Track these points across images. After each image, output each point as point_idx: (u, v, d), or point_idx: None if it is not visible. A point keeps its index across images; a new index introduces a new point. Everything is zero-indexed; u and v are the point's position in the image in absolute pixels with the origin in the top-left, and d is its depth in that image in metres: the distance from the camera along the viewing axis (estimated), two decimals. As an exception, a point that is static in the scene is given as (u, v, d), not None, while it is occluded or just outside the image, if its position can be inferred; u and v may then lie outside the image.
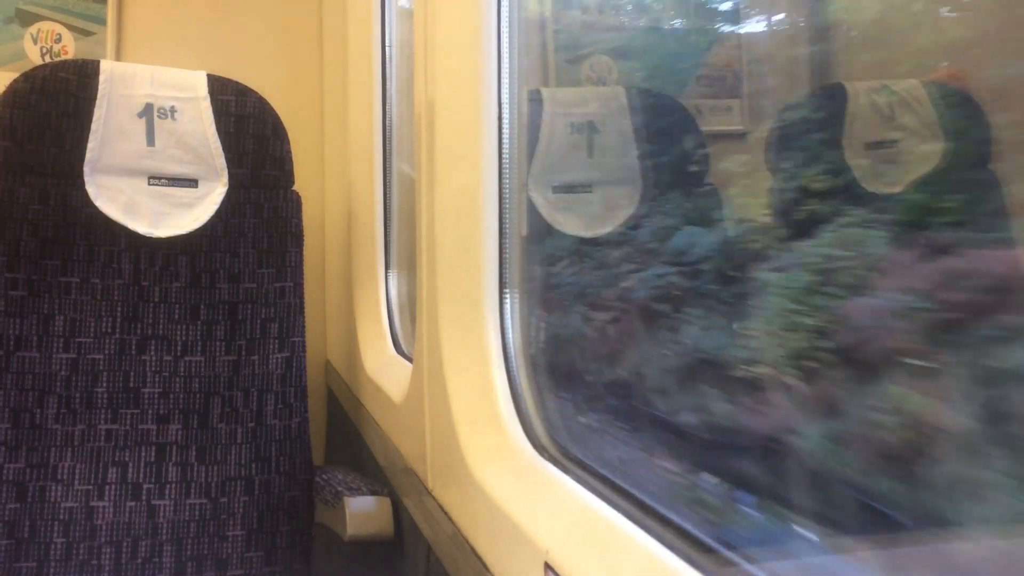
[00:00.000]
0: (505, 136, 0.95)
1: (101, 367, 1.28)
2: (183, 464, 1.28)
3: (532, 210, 1.30)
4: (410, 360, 1.18)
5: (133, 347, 1.30)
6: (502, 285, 0.95)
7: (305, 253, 1.40)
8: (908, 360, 0.70)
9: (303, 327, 1.37)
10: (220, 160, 1.36)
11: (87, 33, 1.76)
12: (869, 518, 0.67)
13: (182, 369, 1.31)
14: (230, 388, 1.32)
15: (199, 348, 1.32)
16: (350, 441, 1.54)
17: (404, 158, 1.63)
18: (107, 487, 1.24)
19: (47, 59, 1.73)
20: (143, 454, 1.27)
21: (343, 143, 1.78)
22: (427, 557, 0.99)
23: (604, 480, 0.75)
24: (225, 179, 1.36)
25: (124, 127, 1.32)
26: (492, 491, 0.81)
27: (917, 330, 0.71)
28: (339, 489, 1.24)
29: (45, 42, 1.74)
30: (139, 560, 1.23)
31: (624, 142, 1.44)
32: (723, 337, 0.97)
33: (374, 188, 1.68)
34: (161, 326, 1.31)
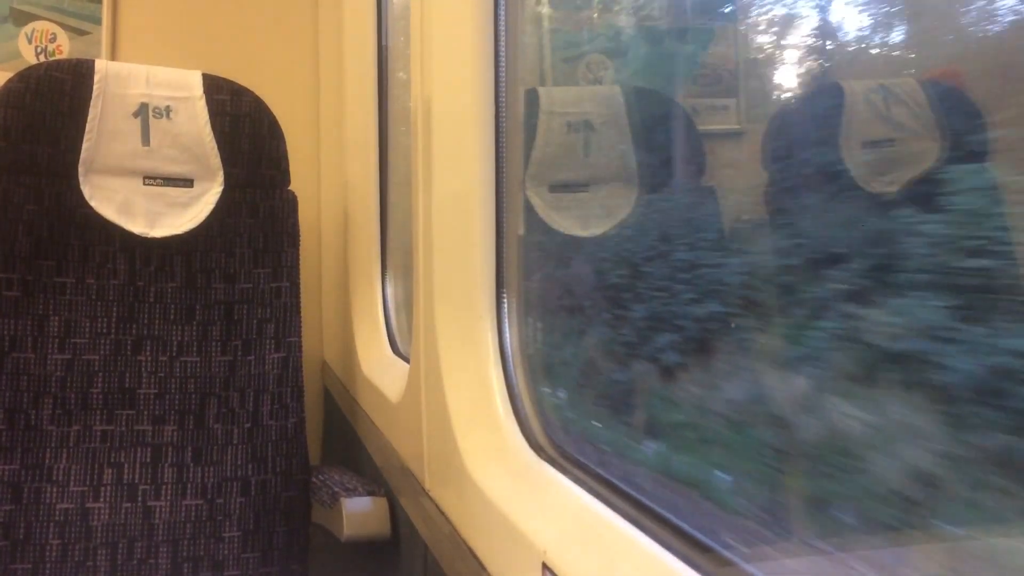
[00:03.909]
0: (502, 135, 0.95)
1: (96, 368, 1.27)
2: (179, 465, 1.27)
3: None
4: (407, 360, 1.18)
5: (128, 348, 1.29)
6: (499, 285, 0.95)
7: (301, 253, 1.39)
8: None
9: (299, 327, 1.36)
10: (215, 160, 1.35)
11: (82, 32, 1.75)
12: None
13: (178, 370, 1.30)
14: (226, 389, 1.32)
15: (195, 348, 1.32)
16: (347, 441, 1.54)
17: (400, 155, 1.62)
18: (103, 488, 1.24)
19: (42, 59, 1.73)
20: (139, 455, 1.26)
21: (339, 142, 1.77)
22: (424, 557, 0.98)
23: (602, 480, 0.75)
24: (221, 179, 1.36)
25: (119, 127, 1.32)
26: (489, 491, 0.80)
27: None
28: (336, 489, 1.23)
29: (40, 42, 1.74)
30: (135, 561, 1.23)
31: (621, 141, 1.44)
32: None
33: (371, 187, 1.68)
34: (156, 326, 1.31)
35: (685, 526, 0.64)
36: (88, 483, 1.23)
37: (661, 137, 1.40)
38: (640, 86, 1.49)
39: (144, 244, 1.32)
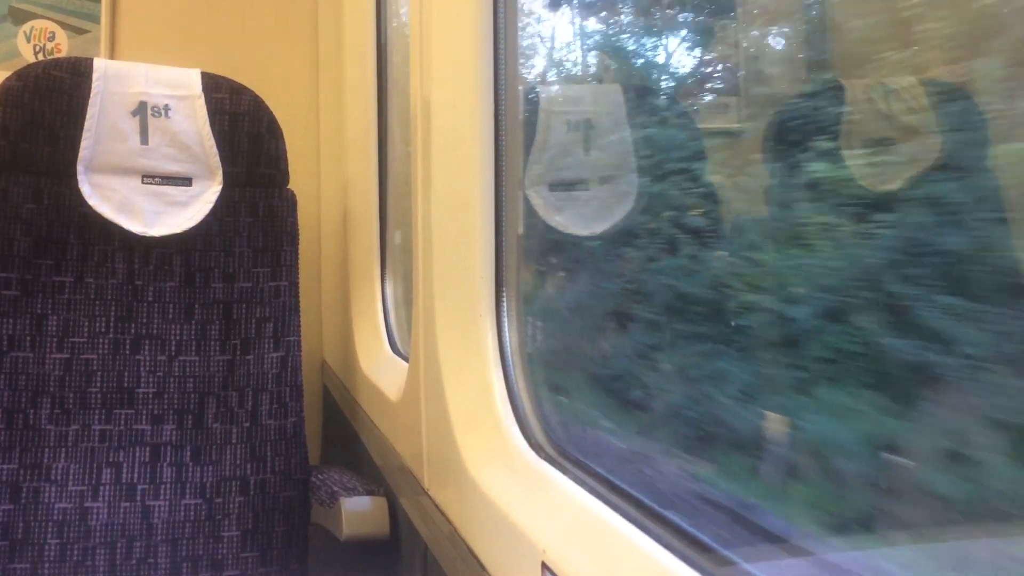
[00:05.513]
0: (502, 134, 0.94)
1: (95, 367, 1.27)
2: (178, 464, 1.27)
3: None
4: (406, 359, 1.17)
5: (127, 347, 1.29)
6: (499, 284, 0.95)
7: (300, 252, 1.39)
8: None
9: (298, 326, 1.36)
10: (214, 158, 1.35)
11: (81, 31, 1.75)
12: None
13: (176, 369, 1.30)
14: (225, 388, 1.31)
15: (193, 348, 1.32)
16: (346, 441, 1.54)
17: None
18: (101, 488, 1.23)
19: (40, 57, 1.72)
20: (137, 454, 1.26)
21: (339, 141, 1.77)
22: (424, 557, 0.98)
23: (601, 479, 0.75)
24: (219, 178, 1.35)
25: (118, 125, 1.32)
26: (489, 491, 0.80)
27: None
28: (335, 489, 1.23)
29: (38, 40, 1.73)
30: (134, 561, 1.22)
31: (621, 139, 1.43)
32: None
33: (370, 186, 1.67)
34: (155, 326, 1.31)
35: (685, 525, 0.63)
36: (87, 482, 1.23)
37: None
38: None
39: (143, 243, 1.32)
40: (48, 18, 1.74)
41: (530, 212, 1.27)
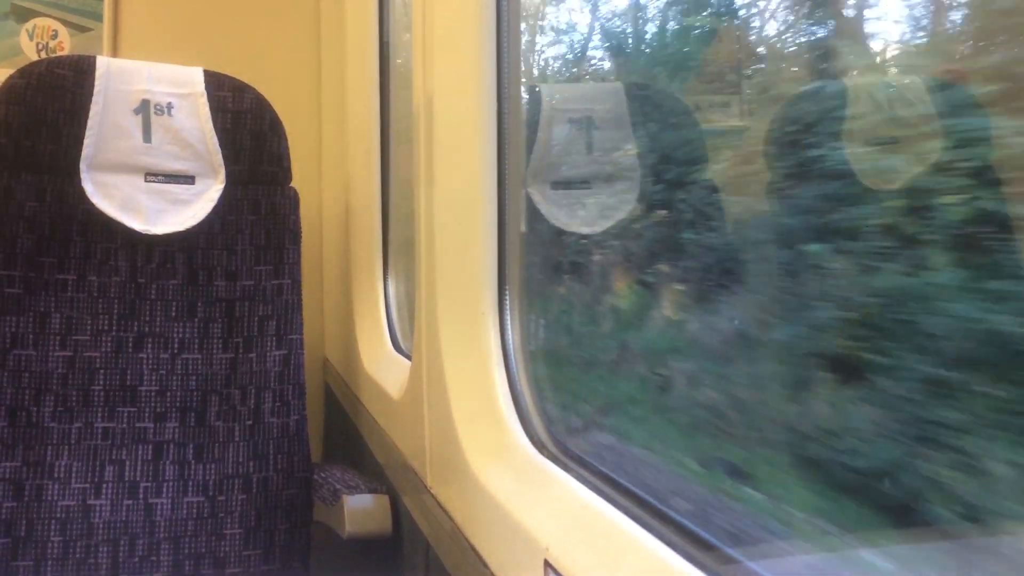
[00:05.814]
0: (504, 132, 0.94)
1: (98, 365, 1.27)
2: (180, 462, 1.27)
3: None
4: (409, 357, 1.17)
5: (130, 345, 1.29)
6: (501, 282, 0.95)
7: (303, 250, 1.39)
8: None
9: (301, 324, 1.36)
10: (217, 157, 1.35)
11: (83, 29, 1.75)
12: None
13: (179, 367, 1.30)
14: (227, 386, 1.31)
15: (196, 346, 1.32)
16: (348, 439, 1.54)
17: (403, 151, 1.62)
18: (104, 485, 1.24)
19: (43, 55, 1.72)
20: (140, 452, 1.26)
21: (341, 139, 1.77)
22: (426, 555, 0.98)
23: (603, 477, 0.75)
24: (222, 176, 1.36)
25: (120, 123, 1.32)
26: (491, 488, 0.80)
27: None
28: (337, 487, 1.23)
29: (41, 38, 1.74)
30: (136, 558, 1.23)
31: (623, 138, 1.43)
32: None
33: (372, 184, 1.67)
34: (158, 323, 1.31)
35: (688, 523, 0.63)
36: (89, 480, 1.23)
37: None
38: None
39: (146, 241, 1.32)
40: (51, 16, 1.74)
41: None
